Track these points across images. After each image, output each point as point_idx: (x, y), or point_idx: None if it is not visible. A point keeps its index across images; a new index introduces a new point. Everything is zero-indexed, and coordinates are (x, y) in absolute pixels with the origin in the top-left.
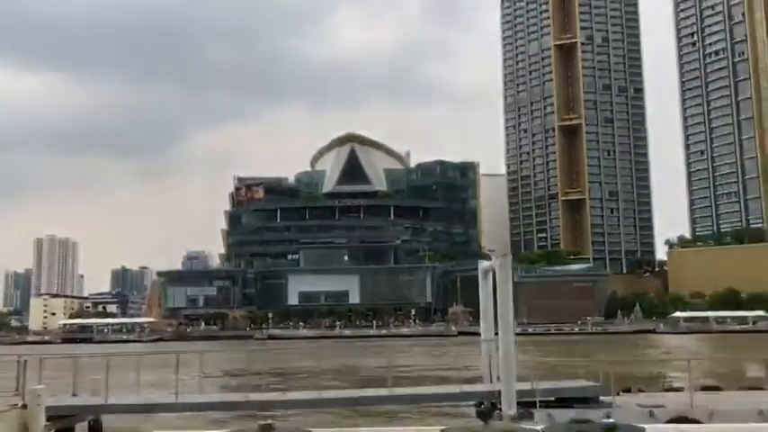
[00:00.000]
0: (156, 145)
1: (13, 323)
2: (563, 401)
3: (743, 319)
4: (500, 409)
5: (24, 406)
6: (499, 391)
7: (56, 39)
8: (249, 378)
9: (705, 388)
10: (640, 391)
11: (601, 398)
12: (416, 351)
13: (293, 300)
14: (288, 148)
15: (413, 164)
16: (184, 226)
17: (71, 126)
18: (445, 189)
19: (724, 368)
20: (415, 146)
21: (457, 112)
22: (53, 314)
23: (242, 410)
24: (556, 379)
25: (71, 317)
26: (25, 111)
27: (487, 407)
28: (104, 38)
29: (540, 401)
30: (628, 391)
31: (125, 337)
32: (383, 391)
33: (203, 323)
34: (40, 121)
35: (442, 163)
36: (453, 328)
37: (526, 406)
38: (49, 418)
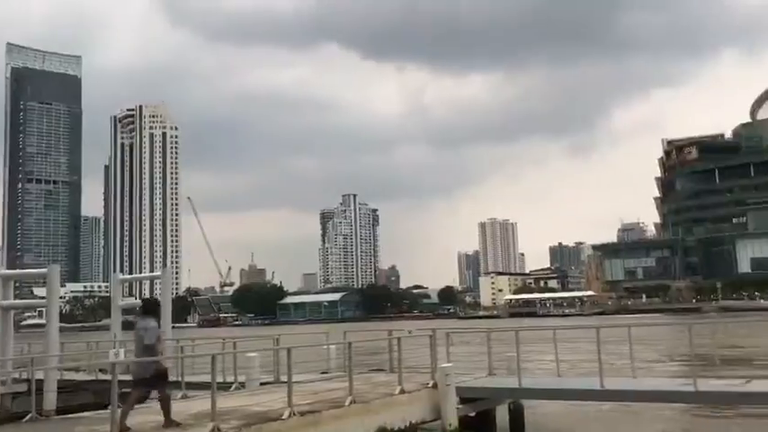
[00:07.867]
0: (580, 123)
1: (467, 299)
2: None
3: None
4: None
5: (435, 385)
6: None
7: (487, 39)
8: (701, 361)
9: None
10: None
11: None
12: None
13: (744, 267)
14: (718, 104)
15: None
16: (616, 199)
17: (505, 117)
18: None
19: None
20: None
21: None
22: (500, 290)
23: (688, 403)
24: None
25: (515, 293)
26: (468, 110)
27: None
28: (524, 29)
29: None
30: None
31: (567, 311)
32: None
33: (644, 295)
34: (478, 116)
35: None
36: None
37: None
38: (463, 400)
